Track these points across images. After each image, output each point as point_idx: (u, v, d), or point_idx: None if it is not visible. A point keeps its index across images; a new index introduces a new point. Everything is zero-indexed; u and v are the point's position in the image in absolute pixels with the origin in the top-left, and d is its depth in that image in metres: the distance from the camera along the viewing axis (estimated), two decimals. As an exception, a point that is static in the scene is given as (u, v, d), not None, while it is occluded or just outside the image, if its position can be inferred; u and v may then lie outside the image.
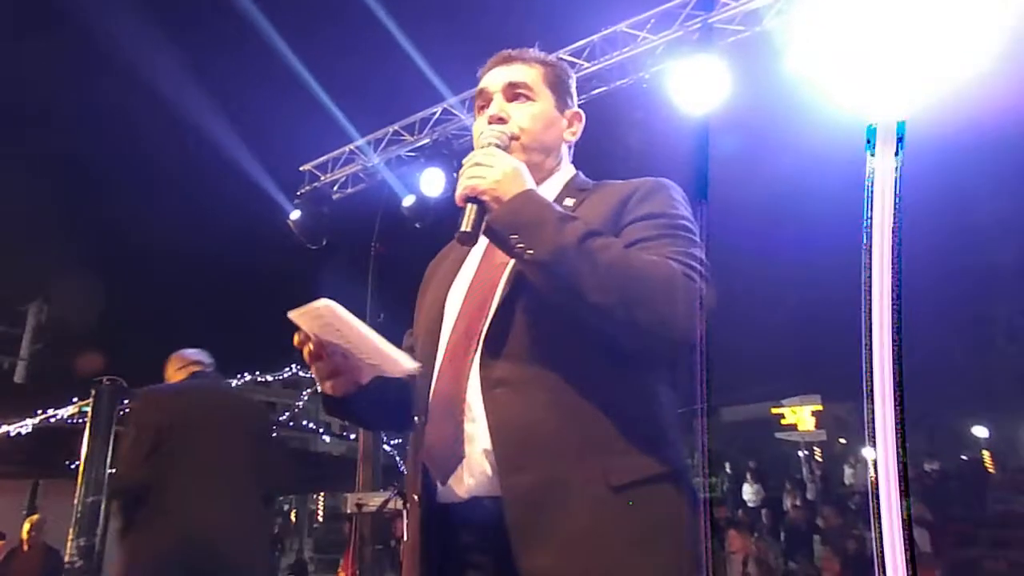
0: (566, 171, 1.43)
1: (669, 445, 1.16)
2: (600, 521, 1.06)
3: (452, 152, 6.71)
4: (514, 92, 1.37)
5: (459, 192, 1.16)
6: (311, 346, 1.23)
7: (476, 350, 1.17)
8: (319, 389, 1.31)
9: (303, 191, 7.77)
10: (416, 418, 1.25)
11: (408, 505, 1.31)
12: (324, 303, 1.15)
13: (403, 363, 1.20)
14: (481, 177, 1.14)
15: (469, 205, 1.14)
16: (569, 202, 1.30)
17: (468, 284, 1.28)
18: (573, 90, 1.48)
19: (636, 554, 1.06)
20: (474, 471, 1.13)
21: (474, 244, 1.19)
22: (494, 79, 1.40)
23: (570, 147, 1.46)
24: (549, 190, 1.35)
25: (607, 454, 1.09)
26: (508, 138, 1.31)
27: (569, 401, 1.11)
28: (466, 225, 1.13)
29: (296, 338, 1.25)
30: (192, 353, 3.38)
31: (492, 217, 1.12)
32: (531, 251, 1.07)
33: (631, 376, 1.15)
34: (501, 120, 1.34)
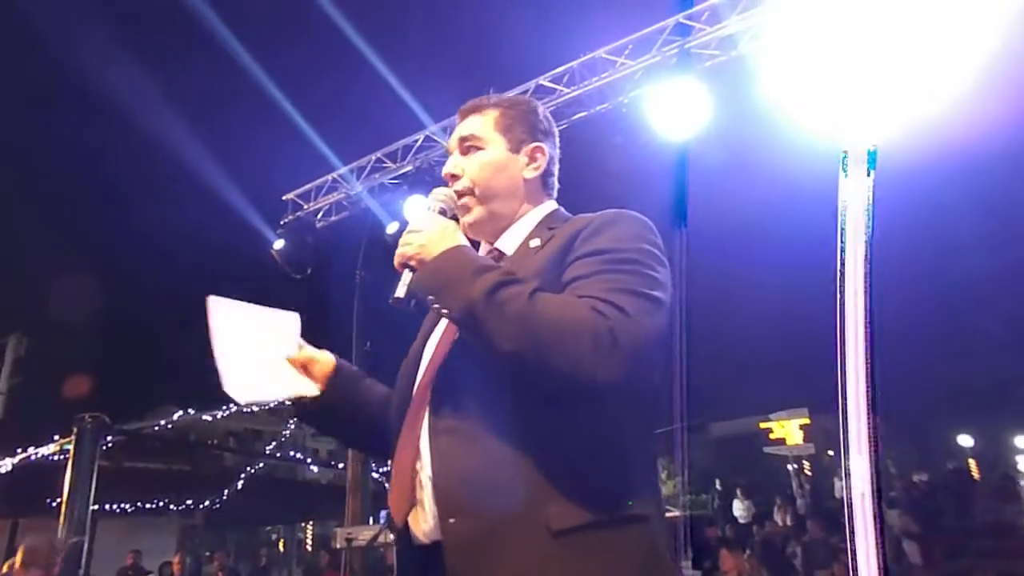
0: (539, 210, 1.42)
1: (628, 489, 1.13)
2: (537, 567, 1.06)
3: (435, 179, 6.75)
4: (465, 146, 1.41)
5: (395, 259, 1.23)
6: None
7: (429, 398, 1.23)
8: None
9: (286, 220, 7.76)
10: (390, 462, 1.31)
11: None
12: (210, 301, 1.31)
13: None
14: (409, 244, 1.21)
15: (404, 271, 1.21)
16: (535, 242, 1.32)
17: (440, 334, 1.32)
18: (538, 124, 1.46)
19: None
20: (426, 516, 1.17)
21: (406, 307, 1.23)
22: (453, 136, 1.45)
23: (544, 180, 1.45)
24: (518, 231, 1.38)
25: (549, 500, 1.08)
26: (455, 198, 1.36)
27: (510, 448, 1.11)
28: (399, 290, 1.20)
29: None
30: None
31: (414, 280, 1.19)
32: (446, 309, 1.13)
33: (575, 421, 1.13)
34: (454, 176, 1.39)
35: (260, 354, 1.36)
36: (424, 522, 1.17)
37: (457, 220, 1.35)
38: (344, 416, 1.43)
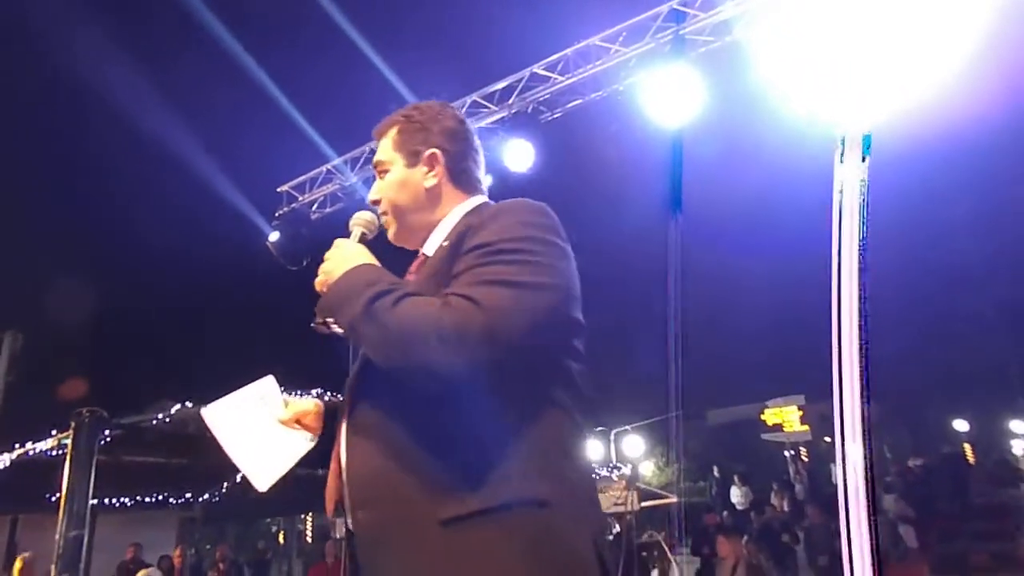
0: (460, 208, 1.45)
1: (514, 477, 1.15)
2: (427, 555, 1.12)
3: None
4: (378, 171, 1.52)
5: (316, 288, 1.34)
6: None
7: (348, 402, 1.34)
8: None
9: (281, 212, 7.74)
10: None
11: None
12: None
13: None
14: (319, 272, 1.32)
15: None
16: (447, 242, 1.37)
17: None
18: (433, 127, 1.48)
19: None
20: (347, 509, 1.28)
21: (327, 333, 1.33)
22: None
23: (453, 182, 1.47)
24: (439, 234, 1.43)
25: (439, 492, 1.14)
26: (375, 220, 1.47)
27: (405, 444, 1.19)
28: (318, 316, 1.31)
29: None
30: None
31: (319, 305, 1.30)
32: (338, 327, 1.26)
33: (459, 414, 1.17)
34: (375, 201, 1.50)
35: (263, 435, 1.48)
36: (347, 515, 1.28)
37: (366, 241, 1.44)
38: None
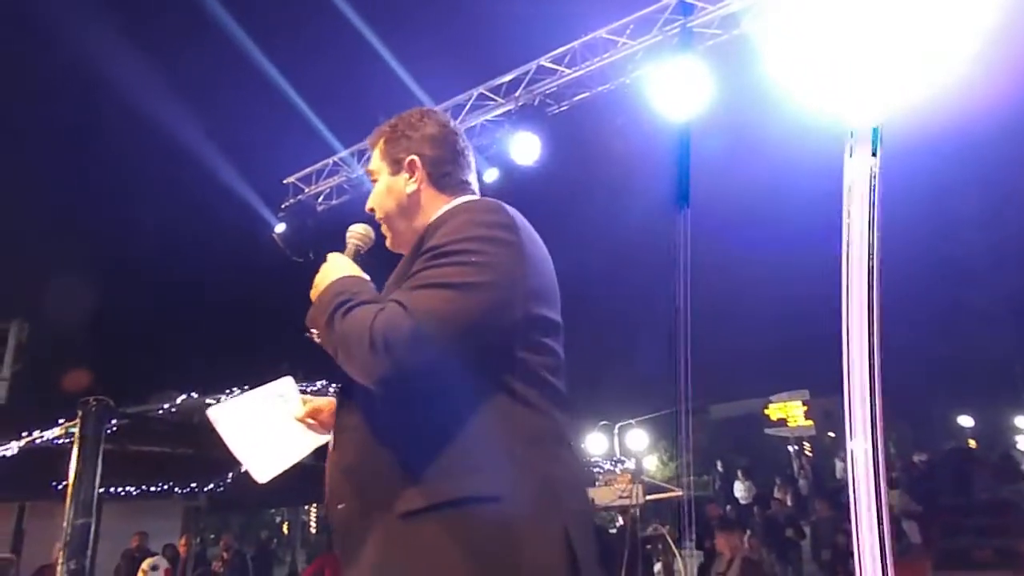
0: (442, 211, 1.45)
1: (463, 472, 1.17)
2: (386, 547, 1.18)
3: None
4: (371, 181, 1.59)
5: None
6: None
7: (337, 403, 1.41)
8: None
9: (287, 204, 7.74)
10: None
11: None
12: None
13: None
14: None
15: None
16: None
17: None
18: (413, 135, 1.52)
19: None
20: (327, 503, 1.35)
21: (316, 341, 1.37)
22: None
23: (436, 186, 1.50)
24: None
25: (400, 486, 1.19)
26: (370, 233, 1.53)
27: (373, 442, 1.26)
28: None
29: None
30: None
31: (307, 318, 1.36)
32: (317, 338, 1.32)
33: (415, 413, 1.22)
34: (371, 210, 1.55)
35: (270, 431, 1.54)
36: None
37: (361, 253, 1.51)
38: None
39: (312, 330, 1.34)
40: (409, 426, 1.23)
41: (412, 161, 1.50)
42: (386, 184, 1.51)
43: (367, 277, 1.38)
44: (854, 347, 2.56)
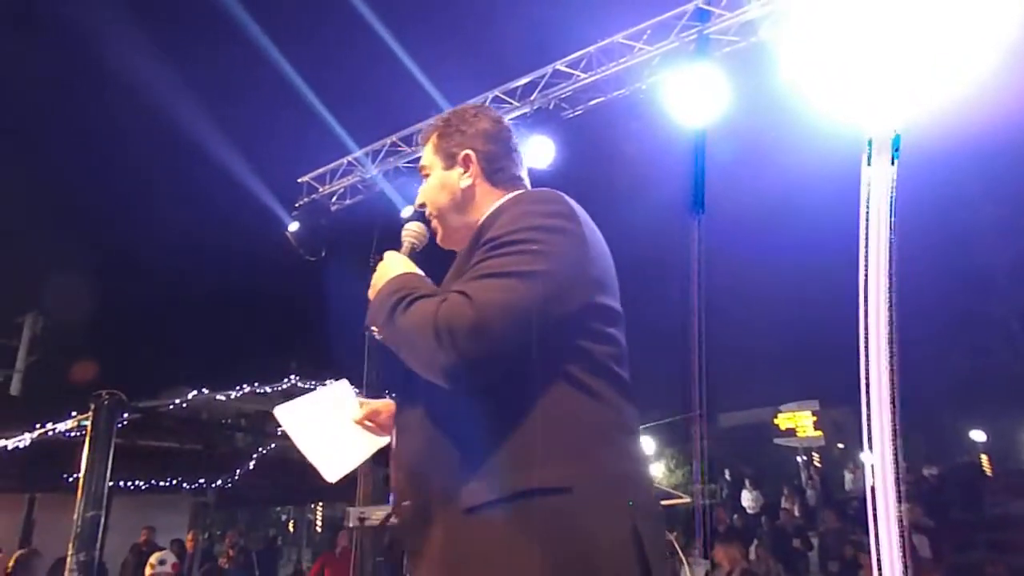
0: (494, 206, 1.44)
1: (534, 464, 1.15)
2: (452, 543, 1.18)
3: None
4: (422, 175, 1.58)
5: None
6: None
7: (398, 402, 1.43)
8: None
9: (301, 203, 7.77)
10: None
11: None
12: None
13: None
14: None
15: None
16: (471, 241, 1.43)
17: None
18: (467, 129, 1.53)
19: (485, 573, 1.14)
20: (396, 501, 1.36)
21: (381, 339, 1.35)
22: None
23: (489, 181, 1.50)
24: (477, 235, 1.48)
25: (464, 481, 1.18)
26: (424, 231, 1.54)
27: (436, 438, 1.26)
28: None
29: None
30: None
31: (367, 316, 1.36)
32: (378, 335, 1.32)
33: (480, 406, 1.21)
34: (422, 205, 1.56)
35: (333, 431, 1.56)
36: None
37: (415, 251, 1.52)
38: None
39: (372, 328, 1.34)
40: (472, 419, 1.22)
41: (467, 156, 1.50)
42: (439, 179, 1.52)
43: (423, 274, 1.39)
44: (872, 358, 2.54)
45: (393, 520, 1.42)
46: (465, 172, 1.50)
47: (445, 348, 1.12)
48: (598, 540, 1.13)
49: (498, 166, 1.51)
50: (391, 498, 1.44)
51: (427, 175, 1.55)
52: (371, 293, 1.37)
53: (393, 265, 1.40)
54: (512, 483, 1.14)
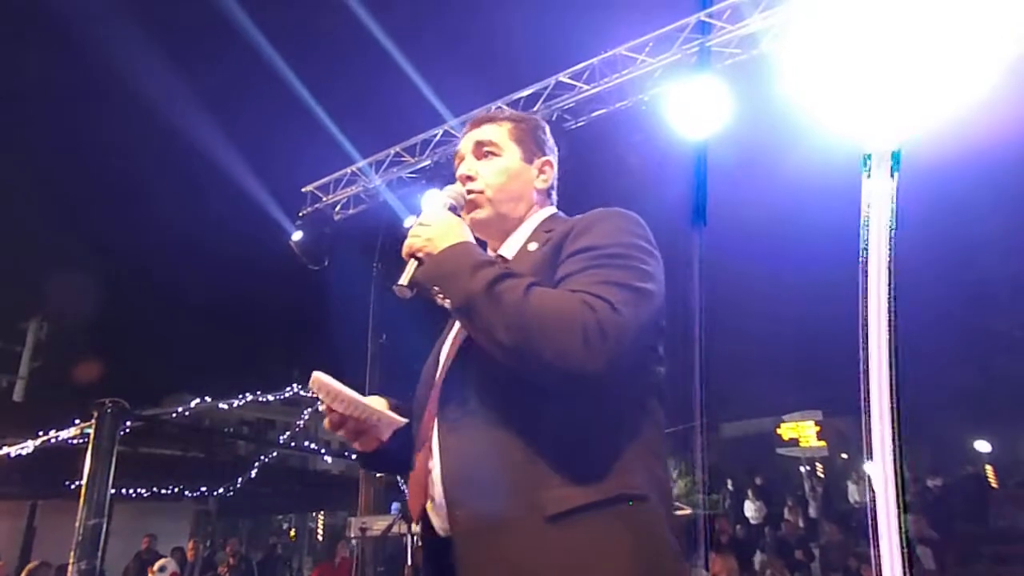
0: (540, 214, 1.50)
1: (619, 471, 1.17)
2: (535, 552, 1.11)
3: (453, 174, 6.76)
4: (482, 151, 1.50)
5: (403, 250, 1.29)
6: (329, 418, 1.37)
7: (439, 397, 1.31)
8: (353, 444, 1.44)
9: (305, 212, 7.82)
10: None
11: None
12: (313, 376, 1.30)
13: (394, 418, 1.36)
14: (418, 236, 1.28)
15: (410, 261, 1.28)
16: (533, 246, 1.39)
17: (451, 341, 1.39)
18: (546, 140, 1.56)
19: None
20: (438, 508, 1.24)
21: (408, 296, 1.28)
22: (466, 141, 1.54)
23: (548, 192, 1.54)
24: (520, 236, 1.46)
25: (543, 487, 1.14)
26: (463, 197, 1.44)
27: (508, 440, 1.18)
28: (403, 279, 1.27)
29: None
30: None
31: (420, 271, 1.26)
32: (447, 299, 1.20)
33: (568, 410, 1.18)
34: (469, 178, 1.47)
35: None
36: (437, 516, 1.24)
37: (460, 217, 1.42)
38: (407, 449, 1.46)
39: (434, 288, 1.22)
40: (555, 421, 1.18)
41: (548, 162, 1.54)
42: (515, 166, 1.49)
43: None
44: (873, 368, 2.54)
45: (443, 530, 1.24)
46: (540, 175, 1.52)
47: (592, 348, 1.09)
48: (671, 546, 1.17)
49: (554, 185, 1.56)
50: (393, 507, 1.37)
51: (493, 154, 1.49)
52: (426, 247, 1.26)
53: (457, 225, 1.30)
54: (599, 489, 1.14)
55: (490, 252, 1.46)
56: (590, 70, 6.14)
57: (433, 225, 1.29)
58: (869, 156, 3.13)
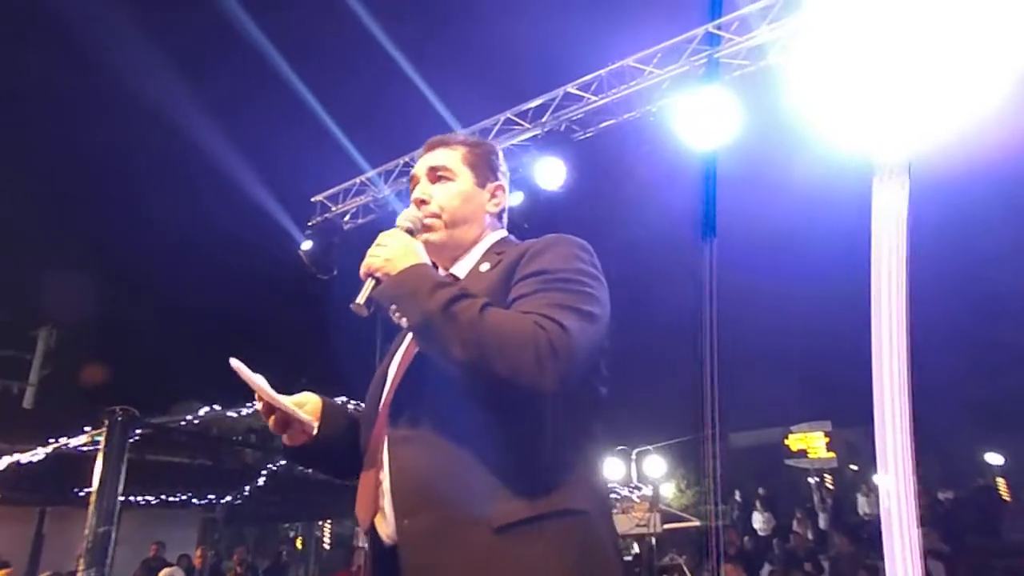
0: (491, 237, 1.57)
1: (564, 486, 1.22)
2: (481, 562, 1.16)
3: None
4: (436, 175, 1.55)
5: (361, 269, 1.35)
6: (261, 406, 1.43)
7: (389, 411, 1.35)
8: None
9: (314, 222, 7.86)
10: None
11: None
12: (232, 361, 1.37)
13: (301, 416, 1.42)
14: (376, 256, 1.33)
15: (368, 280, 1.33)
16: (485, 266, 1.45)
17: (403, 352, 1.44)
18: (498, 165, 1.62)
19: None
20: (387, 520, 1.28)
21: (365, 314, 1.34)
22: (420, 165, 1.60)
23: (499, 215, 1.61)
24: (471, 258, 1.52)
25: (492, 499, 1.18)
26: (420, 221, 1.48)
27: (459, 453, 1.23)
28: (360, 297, 1.32)
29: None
30: None
31: (377, 290, 1.31)
32: (405, 318, 1.24)
33: (517, 426, 1.22)
34: (424, 202, 1.52)
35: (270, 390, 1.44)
36: (386, 526, 1.29)
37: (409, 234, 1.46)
38: (336, 447, 1.51)
39: (392, 306, 1.26)
40: (506, 434, 1.22)
41: (500, 187, 1.61)
42: (468, 190, 1.55)
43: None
44: (886, 379, 2.53)
45: (390, 539, 1.28)
46: (492, 199, 1.58)
47: (544, 367, 1.14)
48: (612, 558, 1.25)
49: (504, 208, 1.63)
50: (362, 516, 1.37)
51: (447, 178, 1.54)
52: (384, 267, 1.31)
53: (415, 248, 1.36)
54: (546, 502, 1.19)
55: (441, 272, 1.50)
56: (598, 81, 6.16)
57: (391, 246, 1.34)
58: (880, 167, 3.13)
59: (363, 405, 1.53)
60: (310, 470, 1.57)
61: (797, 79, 4.72)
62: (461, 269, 1.50)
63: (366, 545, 1.40)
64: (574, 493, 1.23)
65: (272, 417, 1.42)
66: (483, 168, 1.58)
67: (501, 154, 1.66)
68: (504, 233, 1.59)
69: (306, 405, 1.49)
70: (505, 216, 1.63)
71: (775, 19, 5.35)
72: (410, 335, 1.43)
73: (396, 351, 1.48)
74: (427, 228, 1.49)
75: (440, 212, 1.51)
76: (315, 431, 1.45)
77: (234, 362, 1.38)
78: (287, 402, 1.42)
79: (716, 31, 5.60)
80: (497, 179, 1.60)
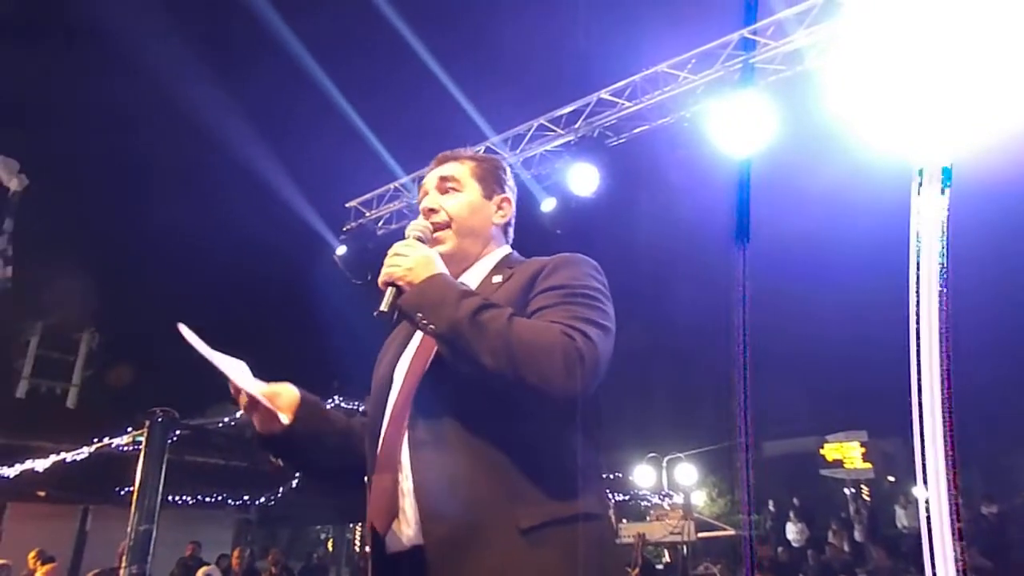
0: (499, 251, 1.62)
1: (581, 490, 1.27)
2: (509, 563, 1.19)
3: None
4: (445, 186, 1.59)
5: (380, 278, 1.36)
6: (232, 386, 1.46)
7: (408, 414, 1.36)
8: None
9: (349, 227, 7.97)
10: (366, 478, 1.44)
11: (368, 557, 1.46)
12: (180, 327, 1.39)
13: (262, 401, 1.44)
14: (397, 265, 1.35)
15: (389, 288, 1.35)
16: (497, 279, 1.49)
17: (411, 356, 1.45)
18: (505, 179, 1.67)
19: None
20: (409, 522, 1.30)
21: (390, 321, 1.38)
22: (430, 178, 1.64)
23: (505, 228, 1.66)
24: (481, 269, 1.56)
25: (517, 502, 1.22)
26: (431, 231, 1.52)
27: (483, 456, 1.26)
28: (383, 306, 1.34)
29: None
30: None
31: (402, 299, 1.32)
32: (432, 326, 1.26)
33: (539, 431, 1.28)
34: (433, 211, 1.56)
35: (234, 367, 1.47)
36: (407, 529, 1.29)
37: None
38: (310, 443, 1.53)
39: (417, 315, 1.27)
40: (530, 439, 1.28)
41: (507, 199, 1.65)
42: (477, 201, 1.59)
43: None
44: (925, 389, 2.49)
45: (407, 541, 1.29)
46: (499, 212, 1.63)
47: (572, 374, 1.20)
48: (622, 560, 1.34)
49: (512, 221, 1.68)
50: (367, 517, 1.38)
51: (455, 189, 1.58)
52: (406, 276, 1.32)
53: (435, 258, 1.38)
54: (568, 506, 1.24)
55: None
56: (632, 87, 6.16)
57: (411, 256, 1.36)
58: (920, 172, 3.08)
59: (351, 407, 1.53)
60: (279, 460, 1.60)
61: (834, 83, 4.66)
62: (471, 279, 1.52)
63: (368, 549, 1.39)
64: (591, 497, 1.28)
65: (240, 396, 1.46)
66: (490, 181, 1.63)
67: (509, 170, 1.72)
68: (509, 249, 1.64)
69: (281, 396, 1.50)
70: (511, 230, 1.67)
71: (812, 23, 5.30)
72: (414, 338, 1.48)
73: (399, 354, 1.49)
74: (437, 240, 1.52)
75: (449, 221, 1.54)
76: (285, 421, 1.45)
77: (182, 327, 1.45)
78: (254, 387, 1.44)
79: (751, 36, 5.56)
80: (504, 191, 1.65)
